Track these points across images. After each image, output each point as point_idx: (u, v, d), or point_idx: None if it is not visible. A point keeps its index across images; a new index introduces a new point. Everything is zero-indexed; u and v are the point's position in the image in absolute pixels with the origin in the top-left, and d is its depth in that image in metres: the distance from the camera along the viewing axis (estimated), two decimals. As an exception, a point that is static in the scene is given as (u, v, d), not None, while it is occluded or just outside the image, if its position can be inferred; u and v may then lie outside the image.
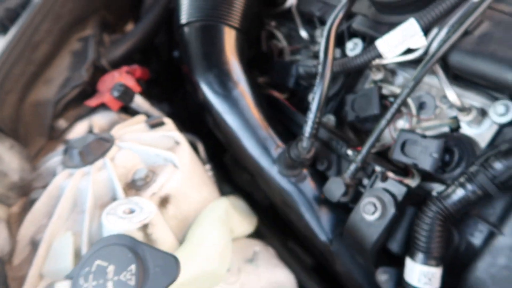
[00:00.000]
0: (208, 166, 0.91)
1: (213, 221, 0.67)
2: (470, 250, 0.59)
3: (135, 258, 0.53)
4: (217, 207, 0.71)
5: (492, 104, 0.59)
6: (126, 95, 0.81)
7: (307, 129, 0.67)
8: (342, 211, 0.73)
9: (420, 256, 0.57)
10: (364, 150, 0.64)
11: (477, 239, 0.59)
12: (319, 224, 0.73)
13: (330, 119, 0.81)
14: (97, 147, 0.72)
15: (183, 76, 0.93)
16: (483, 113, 0.62)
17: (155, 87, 1.14)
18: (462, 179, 0.55)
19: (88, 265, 0.54)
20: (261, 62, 1.01)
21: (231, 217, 0.72)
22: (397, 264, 0.63)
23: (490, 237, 0.57)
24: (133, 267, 0.52)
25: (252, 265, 0.72)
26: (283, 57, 0.97)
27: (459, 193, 0.55)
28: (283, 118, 0.86)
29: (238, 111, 0.79)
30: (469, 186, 0.54)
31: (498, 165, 0.52)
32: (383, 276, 0.63)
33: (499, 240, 0.56)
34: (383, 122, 0.63)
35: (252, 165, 0.80)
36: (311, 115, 0.66)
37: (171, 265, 0.52)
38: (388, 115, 0.63)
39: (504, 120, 0.57)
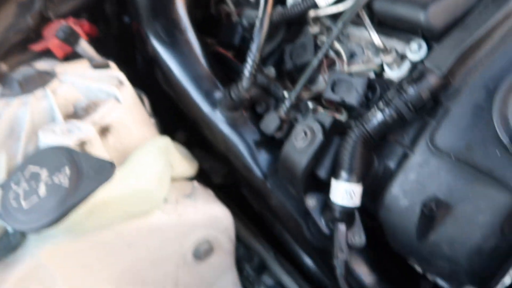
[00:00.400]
0: (153, 120, 0.93)
1: (152, 148, 0.69)
2: (387, 172, 0.66)
3: (69, 162, 0.54)
4: (157, 141, 0.73)
5: (408, 44, 0.67)
6: (71, 36, 0.82)
7: (247, 69, 0.72)
8: (278, 151, 0.78)
9: (343, 174, 0.63)
10: (298, 86, 0.70)
11: (392, 162, 0.65)
12: (256, 162, 0.77)
13: (271, 70, 0.86)
14: (38, 79, 0.72)
15: (133, 40, 0.96)
16: (402, 57, 0.70)
17: (103, 49, 1.14)
18: (381, 105, 0.62)
19: (20, 170, 0.54)
20: (210, 26, 1.05)
21: (172, 153, 0.74)
22: (325, 191, 0.69)
23: (403, 158, 0.64)
24: (66, 169, 0.53)
25: (190, 199, 0.74)
26: (230, 20, 1.02)
27: (378, 117, 0.62)
28: (230, 74, 0.90)
29: (184, 58, 0.83)
30: (387, 110, 0.61)
31: (411, 90, 0.60)
32: (311, 201, 0.68)
33: (410, 159, 0.63)
34: (315, 61, 0.70)
35: (197, 113, 0.83)
36: (251, 55, 0.71)
37: (106, 168, 0.53)
38: (320, 54, 0.69)
39: (417, 57, 0.65)
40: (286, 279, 0.92)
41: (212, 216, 0.75)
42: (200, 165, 1.35)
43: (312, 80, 0.82)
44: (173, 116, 1.13)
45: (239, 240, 0.97)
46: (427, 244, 0.60)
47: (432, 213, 0.56)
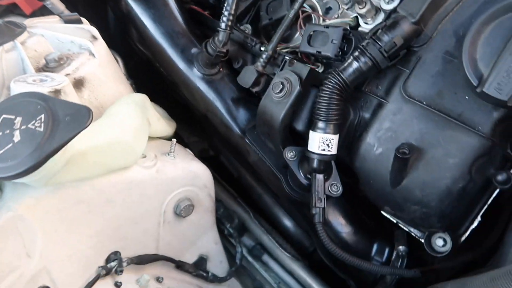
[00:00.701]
0: (129, 82, 0.91)
1: (129, 102, 0.68)
2: (362, 123, 0.67)
3: (45, 108, 0.52)
4: (134, 96, 0.72)
5: (382, -4, 0.68)
6: (40, -10, 0.79)
7: (223, 21, 0.71)
8: (256, 107, 0.78)
9: (320, 124, 0.64)
10: (275, 38, 0.70)
11: (368, 112, 0.67)
12: (234, 119, 0.78)
13: (247, 27, 0.86)
14: (6, 31, 0.69)
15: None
16: (377, 10, 0.71)
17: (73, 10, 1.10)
18: (356, 53, 0.63)
19: (-7, 119, 0.53)
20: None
21: (148, 109, 0.74)
22: (303, 145, 0.70)
23: (378, 108, 0.66)
24: (42, 116, 0.52)
25: (169, 156, 0.74)
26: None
27: (354, 65, 0.63)
28: (206, 32, 0.89)
29: (158, 14, 0.81)
30: (362, 58, 0.62)
31: (385, 37, 0.61)
32: (289, 153, 0.70)
33: (385, 108, 0.64)
34: (291, 12, 0.70)
35: (174, 70, 0.82)
36: (227, 7, 0.71)
37: (83, 114, 0.52)
38: (296, 5, 0.69)
39: (390, 6, 0.66)
40: (265, 239, 0.95)
41: (191, 173, 0.75)
42: (180, 140, 1.36)
43: (289, 38, 0.82)
44: (151, 92, 1.12)
45: (220, 202, 0.98)
46: (401, 190, 0.62)
47: (405, 156, 0.58)
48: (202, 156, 1.40)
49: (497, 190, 0.65)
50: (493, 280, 0.50)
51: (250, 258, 0.93)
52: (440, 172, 0.59)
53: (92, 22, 1.09)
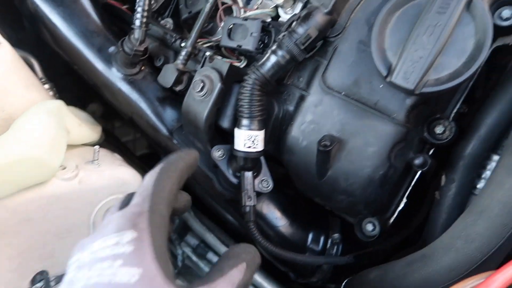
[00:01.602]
0: (47, 86, 0.85)
1: (40, 111, 0.63)
2: (287, 116, 0.67)
3: None
4: (47, 103, 0.67)
5: (298, -15, 0.67)
6: None
7: (137, 18, 0.67)
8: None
9: (244, 122, 0.63)
10: (193, 34, 0.67)
11: (291, 105, 0.67)
12: (160, 119, 0.75)
13: (168, 22, 0.82)
14: None
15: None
16: (295, -1, 0.70)
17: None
18: (273, 47, 0.62)
19: None
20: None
21: (66, 116, 0.69)
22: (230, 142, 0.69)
23: (300, 100, 0.65)
24: None
25: (93, 165, 0.70)
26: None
27: (272, 59, 0.62)
28: (126, 28, 0.85)
29: (69, 12, 0.75)
30: (279, 52, 0.61)
31: (299, 29, 0.60)
32: (217, 152, 0.68)
33: (306, 100, 0.64)
34: (207, 6, 0.67)
35: (92, 72, 0.77)
36: (140, 3, 0.67)
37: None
38: (212, -1, 0.67)
39: (306, -4, 0.66)
40: (209, 237, 0.93)
41: (119, 180, 0.72)
42: (121, 138, 1.30)
43: (212, 31, 0.79)
44: (85, 88, 1.05)
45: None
46: (327, 181, 0.63)
47: (327, 149, 0.58)
48: (148, 154, 1.35)
49: (419, 173, 0.68)
50: (410, 265, 0.52)
51: (194, 258, 0.92)
52: (361, 161, 0.60)
53: (4, 23, 1.01)
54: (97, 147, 0.70)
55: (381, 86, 0.59)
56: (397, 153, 0.60)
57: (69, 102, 0.93)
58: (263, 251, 0.77)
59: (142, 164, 1.07)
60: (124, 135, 1.33)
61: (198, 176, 0.76)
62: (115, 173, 0.71)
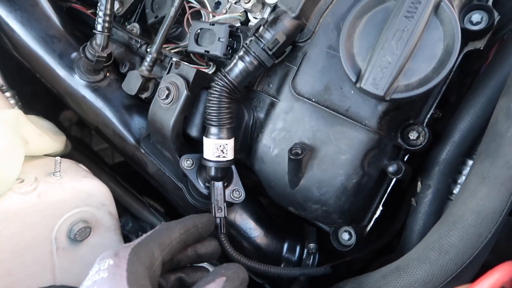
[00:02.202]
0: (9, 94, 0.81)
1: (-8, 123, 0.59)
2: (258, 124, 0.65)
3: None
4: (1, 113, 0.63)
5: (266, -11, 0.65)
6: None
7: (99, 23, 0.64)
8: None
9: (212, 130, 0.60)
10: (158, 39, 0.65)
11: (262, 112, 0.64)
12: (127, 128, 0.72)
13: (135, 26, 0.79)
14: None
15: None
16: (263, 3, 0.68)
17: None
18: (241, 52, 0.59)
19: None
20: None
21: (24, 126, 0.65)
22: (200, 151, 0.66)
23: (271, 107, 0.63)
24: None
25: (54, 177, 0.66)
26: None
27: (239, 65, 0.59)
28: (90, 33, 0.81)
29: (27, 16, 0.71)
30: (247, 58, 0.59)
31: (267, 35, 0.58)
32: (186, 162, 0.65)
33: (277, 107, 0.62)
34: (172, 10, 0.64)
35: (55, 80, 0.73)
36: (101, 7, 0.63)
37: None
38: (176, 3, 0.64)
39: (273, 0, 0.63)
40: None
41: (83, 193, 0.68)
42: (98, 146, 1.25)
43: (181, 36, 0.76)
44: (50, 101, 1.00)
45: (128, 216, 0.92)
46: (300, 190, 0.61)
47: (298, 157, 0.56)
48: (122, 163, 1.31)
49: (394, 180, 0.66)
50: (384, 277, 0.50)
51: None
52: (334, 169, 0.58)
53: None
54: (58, 158, 0.66)
55: (352, 92, 0.57)
56: (371, 160, 0.59)
57: (42, 109, 0.89)
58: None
59: (115, 174, 1.04)
60: (101, 143, 1.29)
61: (167, 187, 0.73)
62: (79, 185, 0.67)
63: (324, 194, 0.59)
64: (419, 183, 0.68)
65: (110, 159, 1.30)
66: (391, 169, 0.58)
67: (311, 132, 0.59)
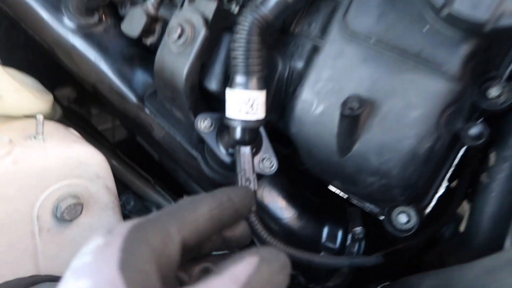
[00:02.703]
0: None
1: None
2: (295, 75, 0.51)
3: None
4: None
5: None
6: None
7: None
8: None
9: (239, 79, 0.46)
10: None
11: (300, 61, 0.50)
12: (128, 84, 0.58)
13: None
14: None
15: None
16: None
17: None
18: (278, -23, 0.45)
19: None
20: None
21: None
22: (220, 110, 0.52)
23: (313, 53, 0.49)
24: None
25: (36, 141, 0.53)
26: None
27: (276, -6, 0.45)
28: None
29: None
30: (287, -16, 0.45)
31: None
32: (203, 123, 0.51)
33: (322, 52, 0.48)
34: None
35: (40, 26, 0.59)
36: None
37: None
38: None
39: None
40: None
41: (72, 160, 0.54)
42: (98, 126, 1.12)
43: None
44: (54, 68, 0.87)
45: (130, 194, 0.79)
46: (352, 158, 0.47)
47: (354, 113, 0.42)
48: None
49: (464, 148, 0.53)
50: (490, 273, 0.37)
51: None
52: (401, 130, 0.44)
53: None
54: (40, 115, 0.52)
55: (426, 29, 0.43)
56: (447, 119, 0.45)
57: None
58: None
59: (114, 148, 0.91)
60: (101, 123, 1.16)
61: (178, 155, 0.59)
62: (67, 151, 0.54)
63: (386, 162, 0.46)
64: (492, 155, 0.54)
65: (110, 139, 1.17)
66: (472, 132, 0.45)
67: (369, 82, 0.45)
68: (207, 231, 0.33)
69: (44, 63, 0.81)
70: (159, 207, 0.79)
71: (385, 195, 0.49)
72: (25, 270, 0.55)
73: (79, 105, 1.17)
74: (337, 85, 0.46)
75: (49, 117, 0.64)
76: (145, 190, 0.80)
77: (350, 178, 0.49)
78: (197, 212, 0.33)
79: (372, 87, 0.45)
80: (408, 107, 0.44)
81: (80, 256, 0.28)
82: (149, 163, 0.87)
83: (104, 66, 0.57)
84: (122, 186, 0.82)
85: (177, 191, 0.85)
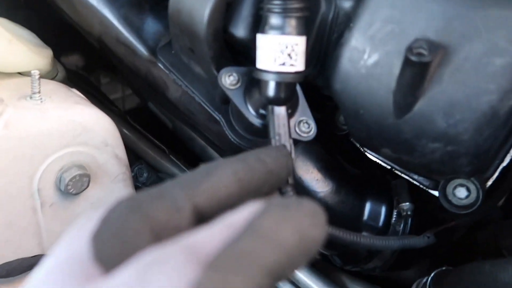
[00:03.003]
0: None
1: None
2: (341, 17, 0.41)
3: None
4: None
5: None
6: None
7: None
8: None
9: (274, 21, 0.37)
10: None
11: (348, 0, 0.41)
12: (137, 34, 0.49)
13: None
14: None
15: None
16: None
17: None
18: None
19: None
20: None
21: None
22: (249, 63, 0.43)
23: (367, -13, 0.39)
24: None
25: (33, 100, 0.45)
26: None
27: None
28: None
29: None
30: None
31: None
32: (228, 78, 0.43)
33: (379, -16, 0.38)
34: None
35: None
36: None
37: None
38: None
39: None
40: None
41: (75, 125, 0.46)
42: (109, 94, 1.05)
43: None
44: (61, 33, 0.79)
45: (143, 164, 0.71)
46: (412, 119, 0.38)
47: (423, 59, 0.33)
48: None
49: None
50: None
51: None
52: (480, 82, 0.35)
53: None
54: (36, 72, 0.44)
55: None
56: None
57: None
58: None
59: (125, 115, 0.83)
60: (110, 93, 1.09)
61: (198, 118, 0.51)
62: (69, 114, 0.46)
63: (456, 124, 0.37)
64: None
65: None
66: None
67: (441, 22, 0.35)
68: (233, 197, 0.26)
69: (48, 25, 0.73)
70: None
71: (447, 165, 0.40)
72: (27, 250, 0.49)
73: (88, 72, 1.09)
74: (398, 27, 0.37)
75: (48, 76, 0.56)
76: (159, 160, 0.73)
77: (405, 144, 0.41)
78: (215, 176, 0.25)
79: (445, 28, 0.35)
80: (492, 53, 0.34)
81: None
82: (162, 133, 0.80)
83: (108, 13, 0.48)
84: (133, 157, 0.75)
85: (193, 162, 0.78)
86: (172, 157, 0.72)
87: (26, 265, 0.48)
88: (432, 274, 0.43)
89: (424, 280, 0.46)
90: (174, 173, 0.71)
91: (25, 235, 0.48)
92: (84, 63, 1.03)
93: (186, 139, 0.76)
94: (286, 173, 0.31)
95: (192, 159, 0.78)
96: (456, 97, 0.36)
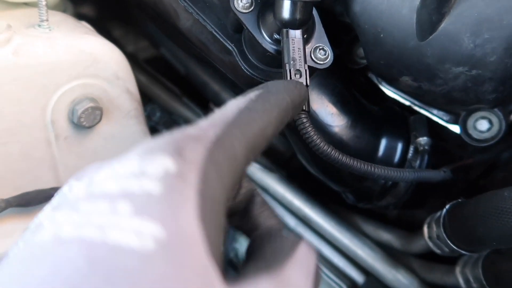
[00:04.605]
0: None
1: None
2: None
3: None
4: None
5: None
6: None
7: None
8: None
9: None
10: None
11: None
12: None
13: None
14: None
15: None
16: None
17: None
18: None
19: None
20: None
21: None
22: None
23: None
24: None
25: (41, 28, 0.44)
26: None
27: None
28: None
29: None
30: None
31: None
32: (241, 1, 0.40)
33: None
34: None
35: None
36: None
37: None
38: None
39: None
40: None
41: (86, 56, 0.45)
42: (121, 48, 1.02)
43: None
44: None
45: (155, 104, 0.71)
46: (436, 41, 0.36)
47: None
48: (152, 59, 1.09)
49: None
50: None
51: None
52: (512, -4, 0.33)
53: None
54: (43, 1, 0.42)
55: None
56: None
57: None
58: (311, 162, 0.53)
59: (136, 57, 0.82)
60: (123, 46, 1.06)
61: (210, 50, 0.49)
62: (79, 44, 0.45)
63: (483, 44, 0.34)
64: None
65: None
66: None
67: None
68: (263, 146, 0.24)
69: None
70: (187, 121, 0.71)
71: (470, 92, 0.38)
72: (44, 182, 0.50)
73: (99, 24, 1.07)
74: None
75: (56, 9, 0.55)
76: (172, 103, 0.72)
77: (428, 70, 0.39)
78: (266, 120, 0.23)
79: None
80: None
81: (140, 176, 0.18)
82: (176, 81, 0.79)
83: None
84: (146, 99, 0.75)
85: (206, 106, 0.77)
86: (185, 99, 0.71)
87: (43, 196, 0.48)
88: (447, 206, 0.43)
89: (439, 214, 0.45)
90: (187, 116, 0.70)
91: (40, 167, 0.49)
92: (95, 13, 1.00)
93: (199, 84, 0.74)
94: (301, 104, 0.30)
95: (205, 104, 0.77)
96: (486, 13, 0.33)
